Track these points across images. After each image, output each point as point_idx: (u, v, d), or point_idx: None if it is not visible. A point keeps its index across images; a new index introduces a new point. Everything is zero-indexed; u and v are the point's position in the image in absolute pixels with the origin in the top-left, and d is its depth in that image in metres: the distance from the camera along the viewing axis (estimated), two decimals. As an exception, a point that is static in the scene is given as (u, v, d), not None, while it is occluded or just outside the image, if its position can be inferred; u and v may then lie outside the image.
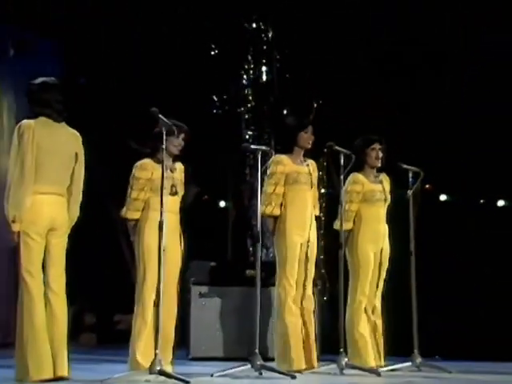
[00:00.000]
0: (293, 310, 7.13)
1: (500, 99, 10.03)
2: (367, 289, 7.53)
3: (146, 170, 6.68)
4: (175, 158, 6.84)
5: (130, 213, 6.70)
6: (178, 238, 6.77)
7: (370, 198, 7.59)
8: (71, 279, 10.06)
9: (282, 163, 7.16)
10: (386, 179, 7.73)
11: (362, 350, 7.46)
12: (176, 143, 6.71)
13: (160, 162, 6.48)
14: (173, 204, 6.68)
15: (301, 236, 7.16)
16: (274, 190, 7.14)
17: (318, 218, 7.45)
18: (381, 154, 7.62)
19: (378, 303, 7.61)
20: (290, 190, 7.17)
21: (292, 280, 7.14)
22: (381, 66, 10.36)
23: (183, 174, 6.89)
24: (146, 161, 6.73)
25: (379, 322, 7.60)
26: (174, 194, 6.71)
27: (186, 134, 6.75)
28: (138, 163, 6.73)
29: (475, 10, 9.80)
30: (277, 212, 7.15)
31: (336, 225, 7.44)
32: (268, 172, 7.17)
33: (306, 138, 7.23)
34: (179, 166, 6.87)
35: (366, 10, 10.04)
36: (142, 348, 6.52)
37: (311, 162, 7.35)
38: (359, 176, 7.57)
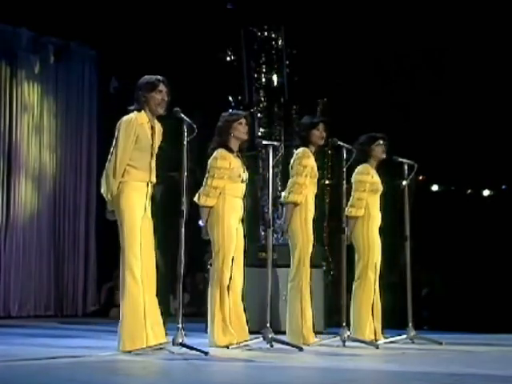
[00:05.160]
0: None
1: (486, 99, 9.91)
2: (378, 266, 7.44)
3: (225, 159, 6.45)
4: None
5: (209, 200, 6.44)
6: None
7: (375, 188, 7.55)
8: (107, 260, 9.99)
9: (310, 157, 7.08)
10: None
11: (363, 324, 7.38)
12: (243, 130, 6.53)
13: (232, 151, 6.41)
14: (242, 190, 6.54)
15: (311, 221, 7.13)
16: (305, 182, 6.99)
17: None
18: (385, 149, 7.59)
19: (376, 284, 7.52)
20: (311, 182, 7.07)
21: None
22: (379, 68, 10.29)
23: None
24: (223, 151, 6.49)
25: (377, 301, 7.53)
26: (243, 181, 6.54)
27: (247, 119, 6.58)
28: (218, 153, 6.47)
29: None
30: (303, 201, 7.01)
31: (348, 211, 7.35)
32: (299, 164, 6.99)
33: (318, 135, 7.14)
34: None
35: (368, 18, 9.91)
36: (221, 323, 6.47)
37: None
38: (369, 168, 7.54)
